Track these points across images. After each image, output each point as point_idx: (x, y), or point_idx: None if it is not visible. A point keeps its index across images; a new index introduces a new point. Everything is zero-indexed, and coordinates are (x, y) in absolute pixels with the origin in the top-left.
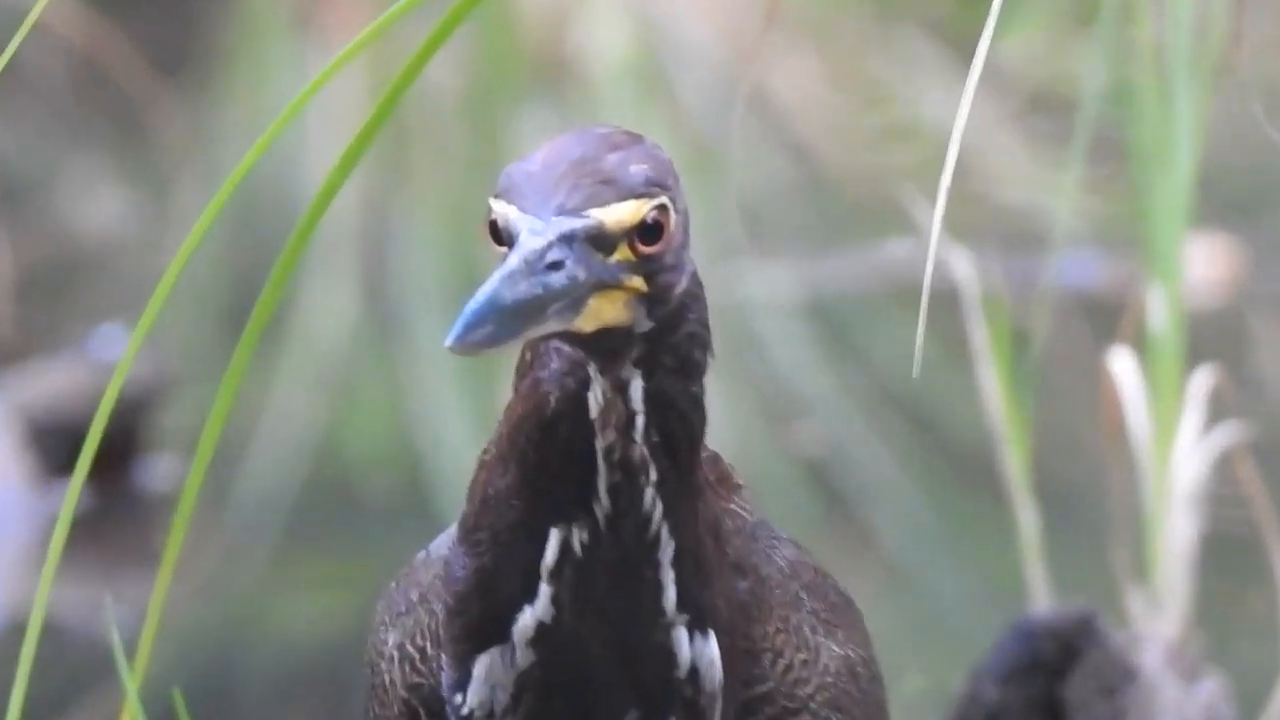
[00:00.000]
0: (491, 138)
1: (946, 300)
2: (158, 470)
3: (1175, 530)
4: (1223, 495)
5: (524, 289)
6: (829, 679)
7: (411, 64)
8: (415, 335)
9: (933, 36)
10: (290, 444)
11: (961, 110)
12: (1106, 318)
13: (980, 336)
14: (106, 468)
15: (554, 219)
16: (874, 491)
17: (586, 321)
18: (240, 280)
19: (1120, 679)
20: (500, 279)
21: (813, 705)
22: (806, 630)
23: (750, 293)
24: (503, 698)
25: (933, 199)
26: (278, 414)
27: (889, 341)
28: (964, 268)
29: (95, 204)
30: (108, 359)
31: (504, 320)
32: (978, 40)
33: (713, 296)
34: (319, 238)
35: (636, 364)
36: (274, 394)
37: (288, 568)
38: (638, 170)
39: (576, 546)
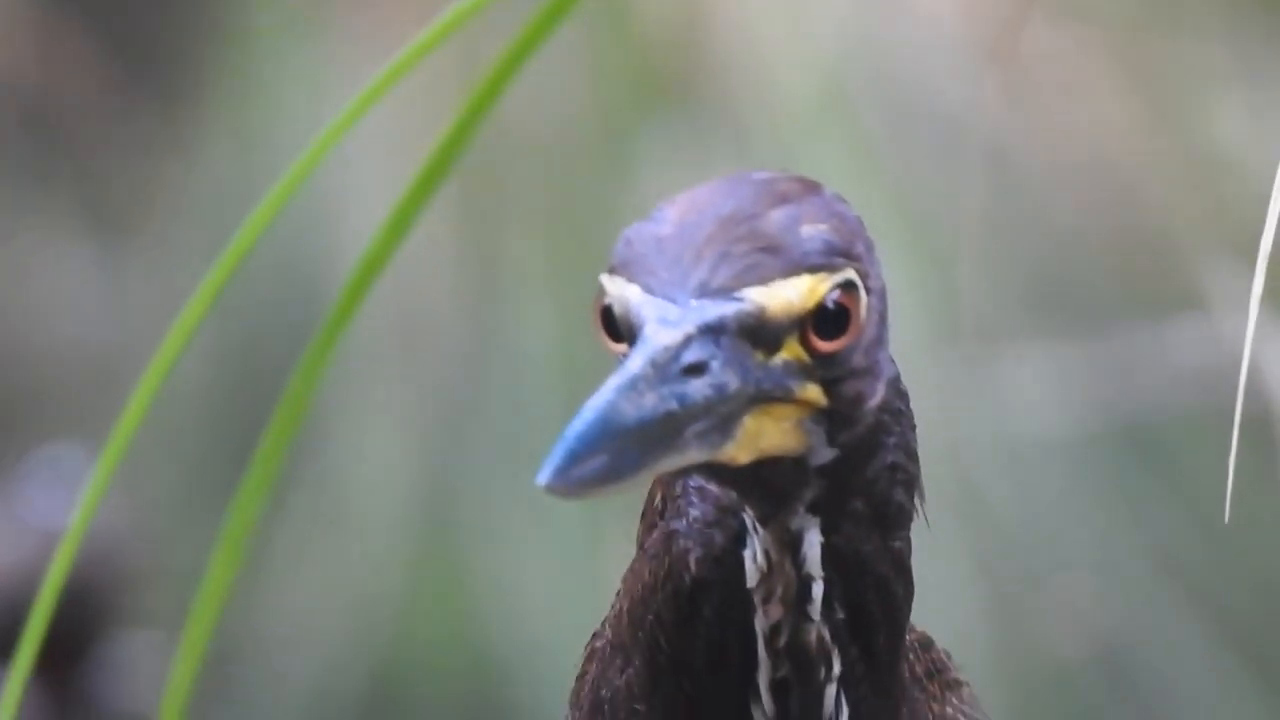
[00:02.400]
0: (612, 182)
1: (1267, 414)
2: (128, 667)
3: None
4: None
5: (651, 403)
6: None
7: (497, 73)
8: (496, 473)
9: (1245, 30)
10: (317, 635)
11: None
12: None
13: None
14: (55, 662)
15: (694, 303)
16: (1166, 686)
17: (741, 450)
18: (244, 392)
19: None
20: (617, 389)
21: None
22: None
23: (980, 405)
24: None
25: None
26: (300, 590)
27: (1186, 471)
28: None
29: (33, 274)
30: (55, 502)
31: (623, 447)
32: None
33: (924, 411)
34: (360, 328)
35: (813, 510)
36: (294, 561)
37: None
38: (813, 233)
39: None
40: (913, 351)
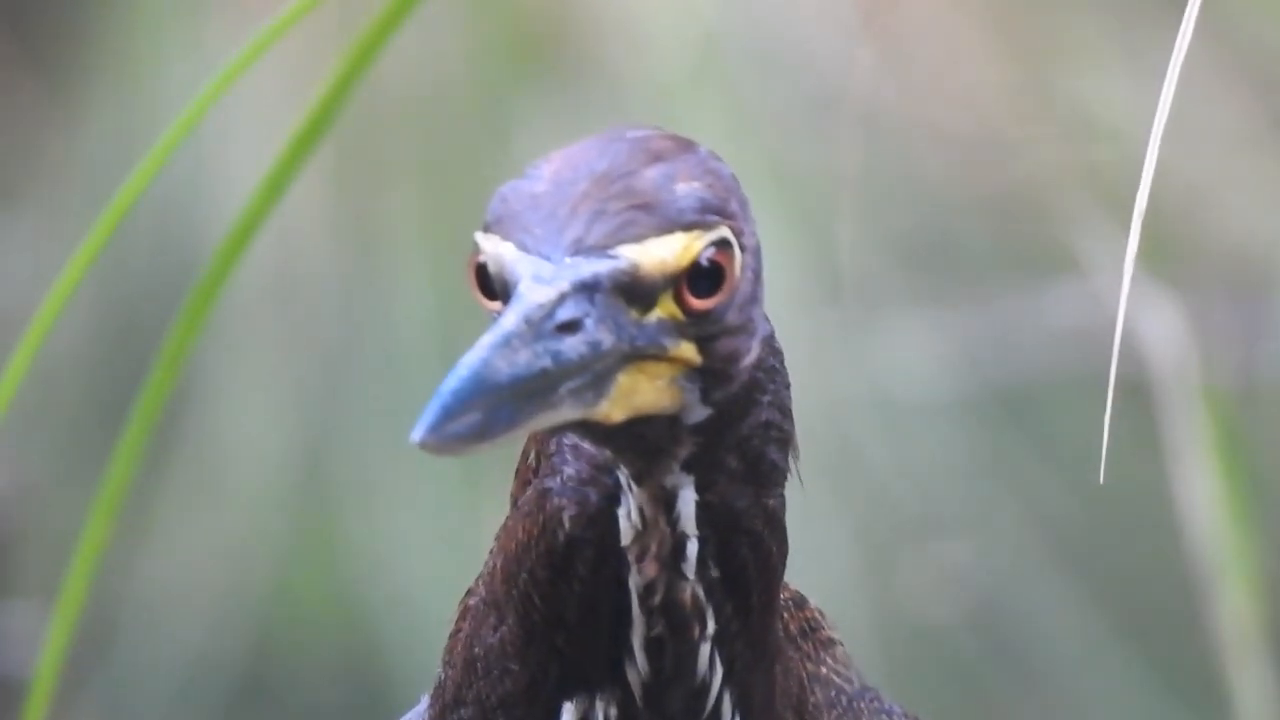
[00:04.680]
0: (488, 143)
1: (1141, 377)
2: (5, 632)
3: None
4: None
5: (525, 360)
6: None
7: (370, 36)
8: (370, 431)
9: None
10: (197, 599)
11: (1163, 102)
12: None
13: (1186, 427)
14: None
15: (568, 260)
16: (1040, 647)
17: (615, 407)
18: (124, 354)
19: None
20: (491, 346)
21: None
22: None
23: (857, 366)
24: None
25: (1122, 228)
26: (179, 554)
27: (1061, 433)
28: (1167, 329)
29: None
30: None
31: (497, 404)
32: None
33: (799, 371)
34: (235, 292)
35: (687, 468)
36: (169, 523)
37: None
38: (688, 190)
39: None
40: (789, 313)
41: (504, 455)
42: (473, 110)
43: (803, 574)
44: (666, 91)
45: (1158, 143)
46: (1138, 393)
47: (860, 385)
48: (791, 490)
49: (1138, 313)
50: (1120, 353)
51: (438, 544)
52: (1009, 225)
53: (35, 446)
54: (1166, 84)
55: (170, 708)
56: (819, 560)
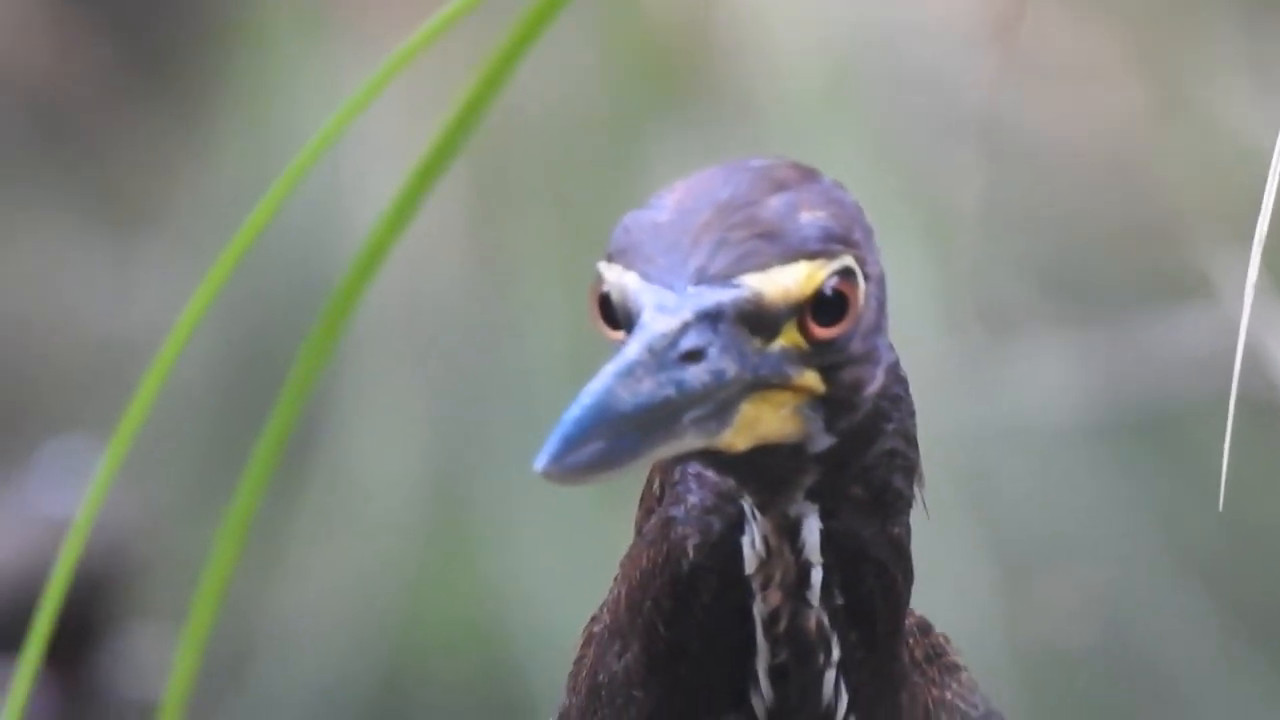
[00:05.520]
0: (622, 169)
1: (1274, 399)
2: (136, 658)
3: None
4: None
5: (649, 389)
6: None
7: (501, 58)
8: (501, 458)
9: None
10: (330, 627)
11: None
12: None
13: None
14: (64, 653)
15: (691, 289)
16: (1175, 672)
17: (739, 436)
18: (253, 383)
19: None
20: (615, 375)
21: None
22: None
23: (990, 390)
24: None
25: (1247, 252)
26: (312, 583)
27: (1196, 457)
28: None
29: (46, 269)
30: (65, 493)
31: (620, 434)
32: None
33: (933, 396)
34: (367, 318)
35: (811, 496)
36: (302, 551)
37: None
38: (811, 219)
39: None
40: (920, 338)
41: (636, 482)
42: (607, 135)
43: (934, 599)
44: (799, 116)
45: None
46: (1271, 415)
47: (994, 410)
48: (924, 517)
49: (1267, 334)
50: (1251, 376)
51: (569, 570)
52: (1143, 248)
53: (167, 472)
54: None
55: None
56: (954, 586)
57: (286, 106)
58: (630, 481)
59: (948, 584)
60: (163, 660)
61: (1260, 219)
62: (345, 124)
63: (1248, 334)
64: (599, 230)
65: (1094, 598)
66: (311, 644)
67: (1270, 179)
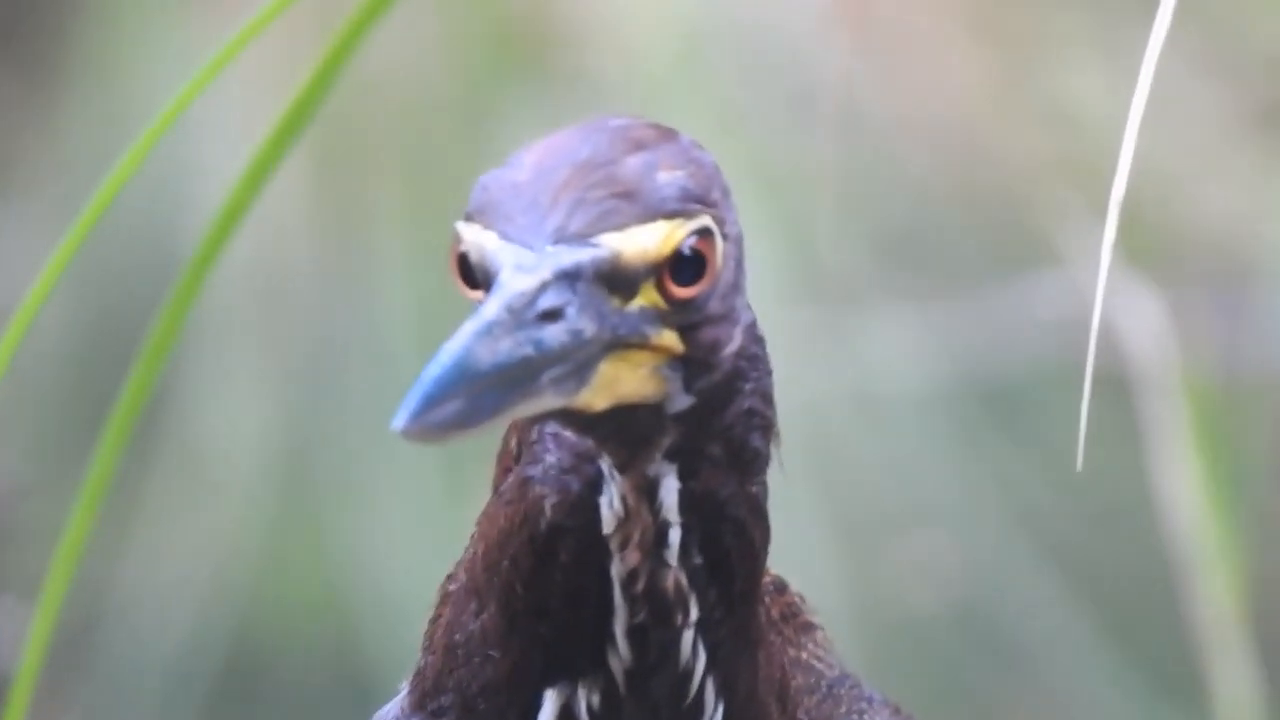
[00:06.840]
0: (469, 138)
1: (1121, 368)
2: None
3: None
4: None
5: (507, 348)
6: None
7: (349, 30)
8: (352, 423)
9: None
10: (182, 595)
11: (1139, 94)
12: None
13: (1166, 419)
14: None
15: (550, 249)
16: (1019, 637)
17: (597, 395)
18: (106, 350)
19: None
20: (473, 334)
21: None
22: None
23: (837, 359)
24: None
25: (1102, 220)
26: (163, 552)
27: (1042, 425)
28: (1146, 320)
29: None
30: None
31: (478, 392)
32: None
33: (782, 361)
34: (217, 287)
35: (670, 456)
36: (153, 519)
37: None
38: (670, 178)
39: (584, 716)
40: (770, 308)
41: (485, 444)
42: (454, 105)
43: (783, 565)
44: (647, 89)
45: (1134, 134)
46: (1118, 384)
47: (840, 379)
48: (773, 481)
49: (1117, 304)
50: (1100, 344)
51: (419, 534)
52: (988, 219)
53: (18, 443)
54: (1143, 75)
55: (154, 702)
56: (799, 551)
57: (138, 76)
58: (480, 442)
59: (795, 551)
60: (13, 631)
61: (1115, 187)
62: (196, 93)
63: (1092, 302)
64: (445, 198)
65: (942, 564)
66: (162, 612)
67: (1124, 151)
